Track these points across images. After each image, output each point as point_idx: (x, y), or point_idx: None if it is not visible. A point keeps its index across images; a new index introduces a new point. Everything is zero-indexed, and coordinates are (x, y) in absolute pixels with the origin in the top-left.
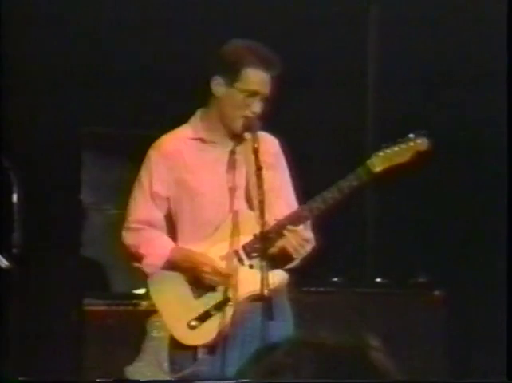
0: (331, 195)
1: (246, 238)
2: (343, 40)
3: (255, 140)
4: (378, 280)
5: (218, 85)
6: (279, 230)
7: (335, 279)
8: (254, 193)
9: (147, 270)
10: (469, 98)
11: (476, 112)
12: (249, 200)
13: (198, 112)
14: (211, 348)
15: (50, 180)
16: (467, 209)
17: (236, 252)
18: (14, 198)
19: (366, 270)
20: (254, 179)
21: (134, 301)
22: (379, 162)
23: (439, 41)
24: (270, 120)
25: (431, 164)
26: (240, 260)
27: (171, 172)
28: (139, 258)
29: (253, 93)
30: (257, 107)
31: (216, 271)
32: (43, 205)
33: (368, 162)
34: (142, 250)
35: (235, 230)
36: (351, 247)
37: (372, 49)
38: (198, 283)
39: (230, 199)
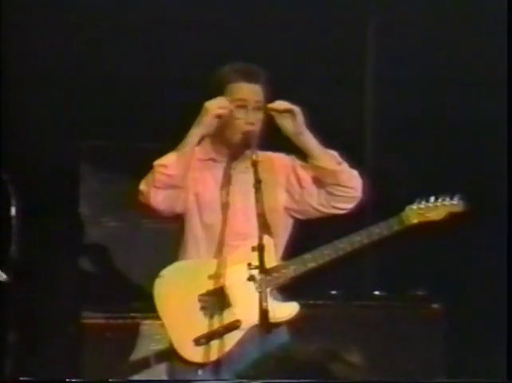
0: (359, 238)
1: (267, 264)
2: (343, 43)
3: (254, 152)
4: (376, 293)
5: None
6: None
7: (333, 292)
8: (273, 218)
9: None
10: (469, 100)
11: (476, 113)
12: (272, 226)
13: (207, 137)
14: (213, 366)
15: (49, 193)
16: (466, 220)
17: (253, 279)
18: (13, 211)
19: (364, 283)
20: (272, 203)
21: (132, 314)
22: (412, 216)
23: (439, 43)
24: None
25: (428, 170)
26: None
27: (181, 190)
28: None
29: (241, 103)
30: (251, 117)
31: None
32: (42, 218)
33: (402, 214)
34: None
35: (252, 255)
36: (349, 260)
37: (372, 51)
38: (207, 297)
39: (245, 221)
